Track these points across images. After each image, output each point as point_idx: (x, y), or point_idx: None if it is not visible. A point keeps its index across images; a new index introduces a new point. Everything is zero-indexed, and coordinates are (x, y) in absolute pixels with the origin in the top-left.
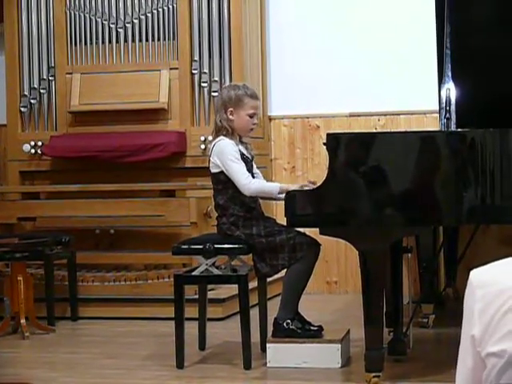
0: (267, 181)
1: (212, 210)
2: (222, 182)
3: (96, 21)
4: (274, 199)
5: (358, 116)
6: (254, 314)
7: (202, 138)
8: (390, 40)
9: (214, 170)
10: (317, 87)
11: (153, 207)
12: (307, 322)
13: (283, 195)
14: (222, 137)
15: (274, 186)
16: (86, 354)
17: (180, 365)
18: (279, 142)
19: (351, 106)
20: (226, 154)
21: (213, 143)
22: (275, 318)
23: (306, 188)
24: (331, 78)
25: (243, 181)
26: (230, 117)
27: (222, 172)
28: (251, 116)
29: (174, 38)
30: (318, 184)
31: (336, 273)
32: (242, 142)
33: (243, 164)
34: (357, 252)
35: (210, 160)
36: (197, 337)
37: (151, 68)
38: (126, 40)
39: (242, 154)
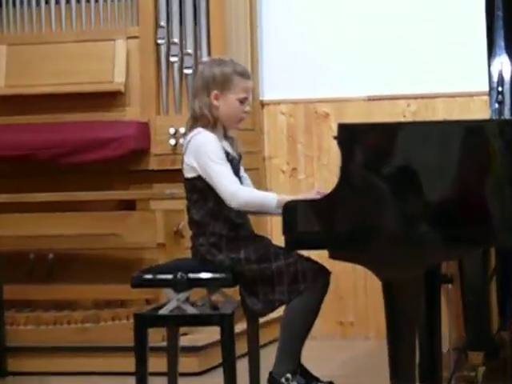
0: (259, 189)
1: (185, 227)
2: (200, 190)
3: None
4: (269, 214)
5: (381, 100)
6: (243, 366)
7: (172, 131)
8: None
9: (188, 174)
10: (325, 63)
11: (106, 224)
12: (313, 376)
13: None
14: (199, 129)
15: (270, 197)
16: None
17: None
18: (275, 136)
19: (371, 86)
20: (207, 153)
21: (187, 138)
22: (270, 373)
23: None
24: (344, 50)
25: (230, 188)
26: (215, 102)
27: (199, 177)
28: (242, 101)
29: None
30: (328, 191)
31: (352, 311)
32: (226, 137)
33: (229, 166)
34: (380, 283)
35: (183, 160)
36: None
37: (102, 37)
38: (68, 1)
39: (227, 153)
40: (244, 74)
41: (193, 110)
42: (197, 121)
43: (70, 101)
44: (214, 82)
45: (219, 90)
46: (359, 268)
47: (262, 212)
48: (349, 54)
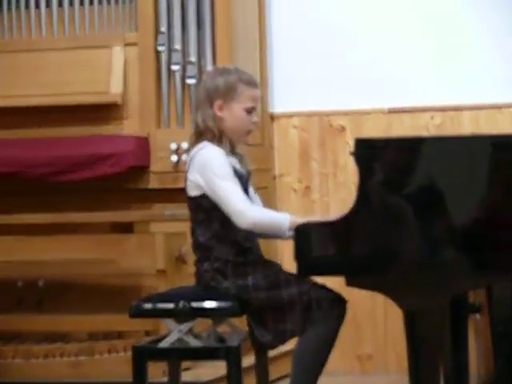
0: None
1: (188, 251)
2: (205, 210)
3: None
4: (280, 237)
5: (402, 112)
6: None
7: (174, 146)
8: (447, 5)
9: (192, 192)
10: (340, 72)
11: (101, 248)
12: None
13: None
14: (204, 143)
15: (283, 218)
16: None
17: None
18: (286, 152)
19: (391, 98)
20: (213, 168)
21: (191, 153)
22: None
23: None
24: (362, 58)
25: (238, 206)
26: (219, 113)
27: (204, 195)
28: (249, 111)
29: (130, 1)
30: (345, 212)
31: (371, 343)
32: (233, 153)
33: (238, 182)
34: (401, 312)
35: (187, 178)
36: None
37: (98, 44)
38: (60, 4)
39: (235, 170)
40: (250, 82)
41: (196, 124)
42: (201, 135)
43: (63, 114)
44: (217, 91)
45: (223, 100)
46: (378, 296)
47: (273, 234)
48: (367, 63)
